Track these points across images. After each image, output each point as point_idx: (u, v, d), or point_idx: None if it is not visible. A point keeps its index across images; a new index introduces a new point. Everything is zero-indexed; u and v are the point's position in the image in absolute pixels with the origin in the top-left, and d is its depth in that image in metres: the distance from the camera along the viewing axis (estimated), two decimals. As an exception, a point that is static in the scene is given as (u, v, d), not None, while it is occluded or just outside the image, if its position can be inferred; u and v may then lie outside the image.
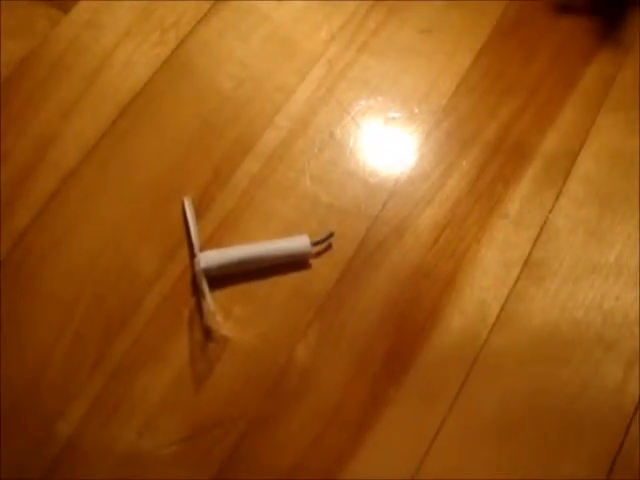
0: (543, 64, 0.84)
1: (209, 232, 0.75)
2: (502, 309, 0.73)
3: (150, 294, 0.72)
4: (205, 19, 0.85)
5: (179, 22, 0.85)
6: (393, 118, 0.81)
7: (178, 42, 0.84)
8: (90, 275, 0.73)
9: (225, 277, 0.72)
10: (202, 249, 0.72)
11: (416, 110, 0.82)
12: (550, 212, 0.77)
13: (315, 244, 0.73)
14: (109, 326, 0.71)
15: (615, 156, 0.80)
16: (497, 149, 0.80)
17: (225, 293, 0.72)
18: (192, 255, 0.72)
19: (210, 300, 0.68)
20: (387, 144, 0.80)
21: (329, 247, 0.74)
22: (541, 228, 0.76)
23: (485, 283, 0.74)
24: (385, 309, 0.72)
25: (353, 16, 0.86)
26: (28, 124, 0.79)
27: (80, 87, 0.82)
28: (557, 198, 0.78)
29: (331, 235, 0.73)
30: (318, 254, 0.74)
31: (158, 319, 0.71)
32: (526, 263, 0.75)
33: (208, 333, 0.70)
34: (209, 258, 0.71)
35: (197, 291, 0.71)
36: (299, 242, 0.72)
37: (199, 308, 0.71)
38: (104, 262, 0.74)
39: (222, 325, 0.71)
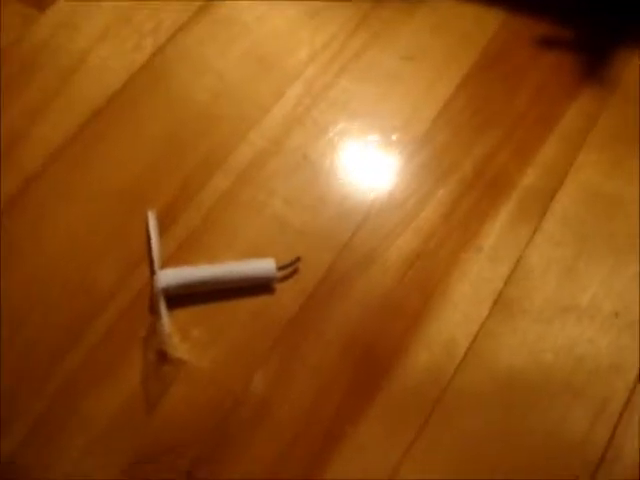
0: (525, 99, 0.83)
1: (172, 248, 0.72)
2: (470, 347, 0.70)
3: (107, 309, 0.70)
4: (185, 27, 0.83)
5: (158, 28, 0.83)
6: (369, 144, 0.79)
7: (156, 49, 0.81)
8: (47, 284, 0.70)
9: (185, 297, 0.69)
10: (163, 266, 0.70)
11: (393, 137, 0.80)
12: (525, 249, 0.75)
13: (281, 268, 0.70)
14: (62, 339, 0.68)
15: (594, 197, 0.78)
16: (474, 182, 0.78)
17: (184, 313, 0.69)
18: (152, 272, 0.69)
19: (166, 321, 0.66)
20: (362, 171, 0.78)
21: (295, 272, 0.72)
22: (515, 265, 0.74)
23: (454, 319, 0.71)
24: (349, 341, 0.70)
25: (335, 37, 0.84)
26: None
27: (51, 88, 0.79)
28: (533, 235, 0.76)
29: (297, 260, 0.71)
30: (283, 279, 0.71)
31: (113, 336, 0.68)
32: (497, 300, 0.72)
33: (163, 355, 0.67)
34: (169, 277, 0.68)
35: (155, 310, 0.68)
36: (264, 265, 0.70)
37: (155, 328, 0.68)
38: (62, 271, 0.71)
39: (178, 347, 0.68)
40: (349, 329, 0.70)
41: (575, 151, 0.80)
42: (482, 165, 0.79)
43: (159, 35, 0.82)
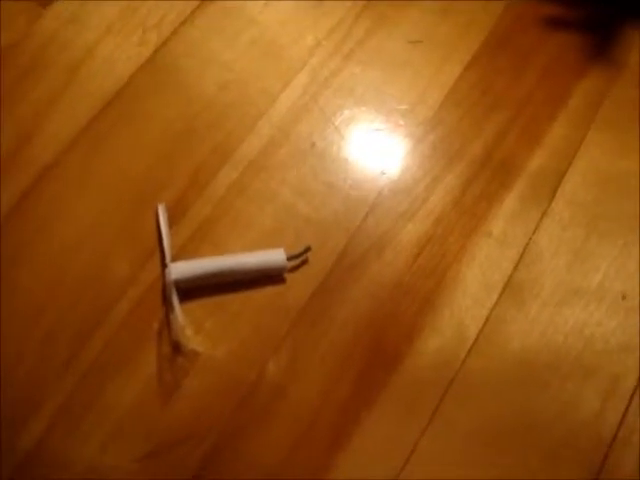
0: (533, 79, 0.83)
1: (183, 239, 0.73)
2: (481, 331, 0.71)
3: (121, 301, 0.70)
4: (190, 20, 0.83)
5: (162, 22, 0.82)
6: (377, 129, 0.79)
7: (161, 42, 0.81)
8: (62, 277, 0.71)
9: (197, 289, 0.70)
10: (175, 258, 0.70)
11: (401, 122, 0.80)
12: (534, 232, 0.75)
13: (291, 258, 0.71)
14: (79, 331, 0.69)
15: (603, 177, 0.78)
16: (483, 165, 0.78)
17: (197, 305, 0.70)
18: (163, 265, 0.70)
19: (179, 313, 0.66)
20: (370, 156, 0.78)
21: (305, 261, 0.72)
22: (524, 248, 0.74)
23: (465, 303, 0.72)
24: (360, 327, 0.70)
25: (341, 22, 0.84)
26: (4, 119, 0.77)
27: (59, 84, 0.80)
28: (542, 218, 0.76)
29: (308, 250, 0.71)
30: (294, 268, 0.72)
31: (127, 328, 0.69)
32: (507, 284, 0.73)
33: (177, 347, 0.68)
34: (180, 269, 0.68)
35: (167, 302, 0.69)
36: (274, 256, 0.70)
37: (168, 320, 0.69)
38: (77, 264, 0.72)
39: (192, 339, 0.69)
40: (360, 315, 0.71)
41: (583, 131, 0.80)
42: (490, 148, 0.79)
43: (163, 29, 0.82)
